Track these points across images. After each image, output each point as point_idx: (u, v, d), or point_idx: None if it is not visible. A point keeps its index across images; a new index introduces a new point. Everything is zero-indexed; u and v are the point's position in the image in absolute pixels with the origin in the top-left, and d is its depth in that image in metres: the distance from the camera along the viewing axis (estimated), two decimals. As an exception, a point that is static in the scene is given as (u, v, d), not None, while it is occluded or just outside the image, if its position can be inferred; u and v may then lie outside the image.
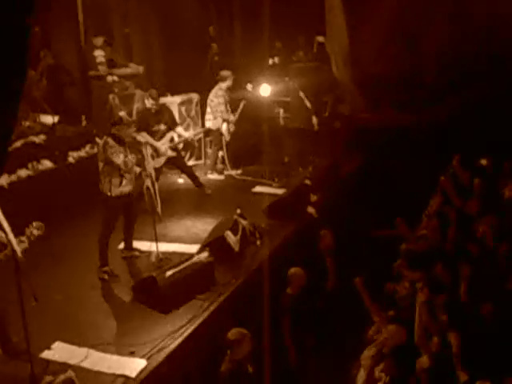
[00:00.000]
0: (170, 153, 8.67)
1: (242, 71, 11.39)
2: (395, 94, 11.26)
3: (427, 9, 11.44)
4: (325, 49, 12.07)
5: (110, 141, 6.59)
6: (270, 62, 12.23)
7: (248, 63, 11.91)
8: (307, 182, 9.33)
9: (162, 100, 10.44)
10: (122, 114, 6.84)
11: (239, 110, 9.99)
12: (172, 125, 8.80)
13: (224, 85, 9.82)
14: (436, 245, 6.98)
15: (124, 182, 6.63)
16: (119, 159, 6.53)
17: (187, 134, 8.97)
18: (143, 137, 8.32)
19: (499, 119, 9.79)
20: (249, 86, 10.58)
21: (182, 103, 10.65)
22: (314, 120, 10.10)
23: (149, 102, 8.62)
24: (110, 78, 10.23)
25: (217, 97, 9.82)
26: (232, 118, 9.97)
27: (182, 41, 11.80)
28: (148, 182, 6.91)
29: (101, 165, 6.63)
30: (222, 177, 10.03)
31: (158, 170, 8.54)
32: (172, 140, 8.75)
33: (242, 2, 12.86)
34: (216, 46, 12.35)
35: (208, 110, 10.01)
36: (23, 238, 4.99)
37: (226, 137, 9.96)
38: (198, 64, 12.06)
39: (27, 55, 2.72)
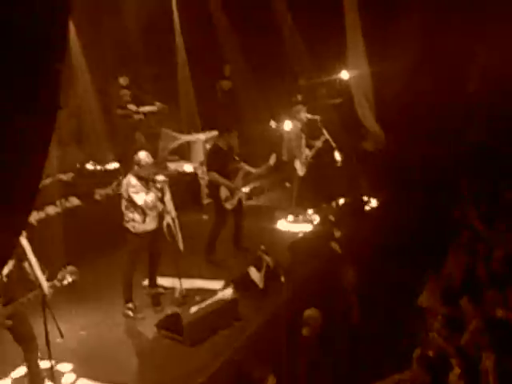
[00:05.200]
0: (243, 192, 8.40)
1: (263, 107, 11.53)
2: (419, 128, 11.26)
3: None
4: (348, 86, 12.18)
5: (133, 179, 6.70)
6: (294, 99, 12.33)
7: (270, 100, 12.06)
8: (331, 217, 9.33)
9: (186, 138, 10.64)
10: (142, 153, 6.86)
11: (316, 147, 9.82)
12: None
13: (297, 120, 9.77)
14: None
15: (147, 219, 6.72)
16: (140, 198, 6.62)
17: (255, 171, 8.54)
18: (212, 178, 8.09)
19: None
20: (272, 123, 10.69)
21: (206, 141, 10.79)
22: (338, 156, 10.11)
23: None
24: (136, 117, 10.46)
25: (288, 133, 9.86)
26: (307, 153, 9.82)
27: (199, 82, 11.97)
28: (168, 219, 6.95)
29: (124, 202, 6.73)
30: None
31: (237, 211, 8.32)
32: (244, 177, 8.41)
33: (263, 40, 13.04)
34: (226, 83, 12.41)
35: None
36: (56, 282, 5.05)
37: (300, 172, 9.82)
38: (214, 102, 12.21)
39: (58, 97, 2.83)
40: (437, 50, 11.34)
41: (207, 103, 11.98)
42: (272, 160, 8.45)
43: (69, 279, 5.06)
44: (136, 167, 6.72)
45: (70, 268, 5.10)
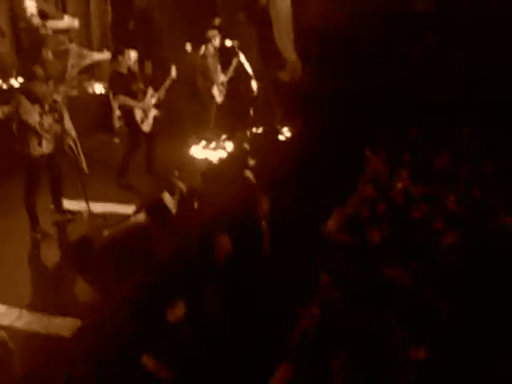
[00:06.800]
0: (155, 112, 8.24)
1: (180, 30, 11.17)
2: (336, 59, 11.30)
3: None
4: (268, 11, 11.96)
5: (23, 99, 6.23)
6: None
7: (186, 22, 11.67)
8: (246, 145, 9.36)
9: (98, 56, 10.18)
10: (38, 69, 6.39)
11: (231, 70, 9.76)
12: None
13: (211, 46, 9.60)
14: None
15: (44, 142, 6.39)
16: (33, 119, 6.24)
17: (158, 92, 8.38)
18: (122, 101, 7.94)
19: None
20: (188, 46, 10.42)
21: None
22: (254, 85, 10.05)
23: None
24: (43, 31, 9.80)
25: (204, 58, 9.61)
26: (222, 78, 9.74)
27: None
28: (69, 141, 6.68)
29: (15, 125, 6.34)
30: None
31: (150, 136, 8.19)
32: (153, 97, 8.26)
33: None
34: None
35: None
36: None
37: (218, 99, 9.74)
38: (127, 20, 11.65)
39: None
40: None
41: (121, 20, 11.41)
42: (173, 72, 8.39)
43: None
44: (28, 84, 6.31)
45: None
